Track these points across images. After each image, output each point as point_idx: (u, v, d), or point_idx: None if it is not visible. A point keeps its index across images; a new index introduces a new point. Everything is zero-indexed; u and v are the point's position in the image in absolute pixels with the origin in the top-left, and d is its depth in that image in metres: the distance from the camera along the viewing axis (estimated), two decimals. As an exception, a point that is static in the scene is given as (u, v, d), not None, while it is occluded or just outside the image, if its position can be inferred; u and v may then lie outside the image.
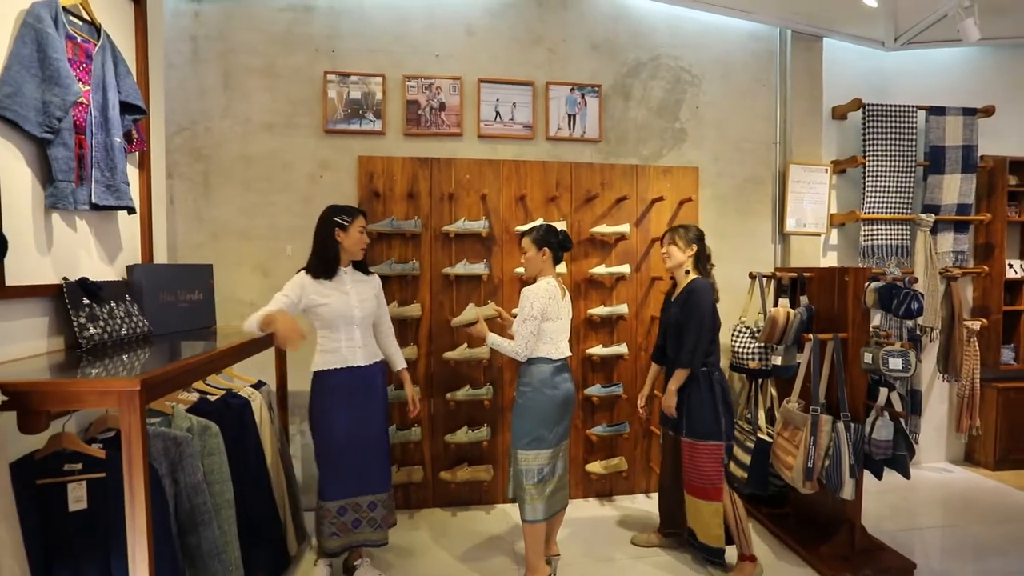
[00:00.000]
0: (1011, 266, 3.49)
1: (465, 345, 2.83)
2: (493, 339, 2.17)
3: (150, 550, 1.31)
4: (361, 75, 2.88)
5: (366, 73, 2.88)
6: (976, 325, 3.38)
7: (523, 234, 2.26)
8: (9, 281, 1.52)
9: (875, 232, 3.32)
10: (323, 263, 2.10)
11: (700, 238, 2.37)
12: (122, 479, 1.36)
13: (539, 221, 2.87)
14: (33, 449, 1.47)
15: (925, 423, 3.57)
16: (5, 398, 1.21)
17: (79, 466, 1.47)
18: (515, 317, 2.19)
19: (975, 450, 3.60)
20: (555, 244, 2.20)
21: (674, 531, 2.52)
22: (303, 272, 2.11)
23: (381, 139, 2.92)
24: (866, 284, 2.32)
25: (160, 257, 2.36)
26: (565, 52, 3.07)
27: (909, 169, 3.31)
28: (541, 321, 2.11)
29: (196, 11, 2.76)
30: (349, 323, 2.13)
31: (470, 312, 2.60)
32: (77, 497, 1.46)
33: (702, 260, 2.37)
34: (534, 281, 2.27)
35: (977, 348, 3.38)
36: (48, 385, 1.31)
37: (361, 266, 2.23)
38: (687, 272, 2.34)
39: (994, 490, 3.21)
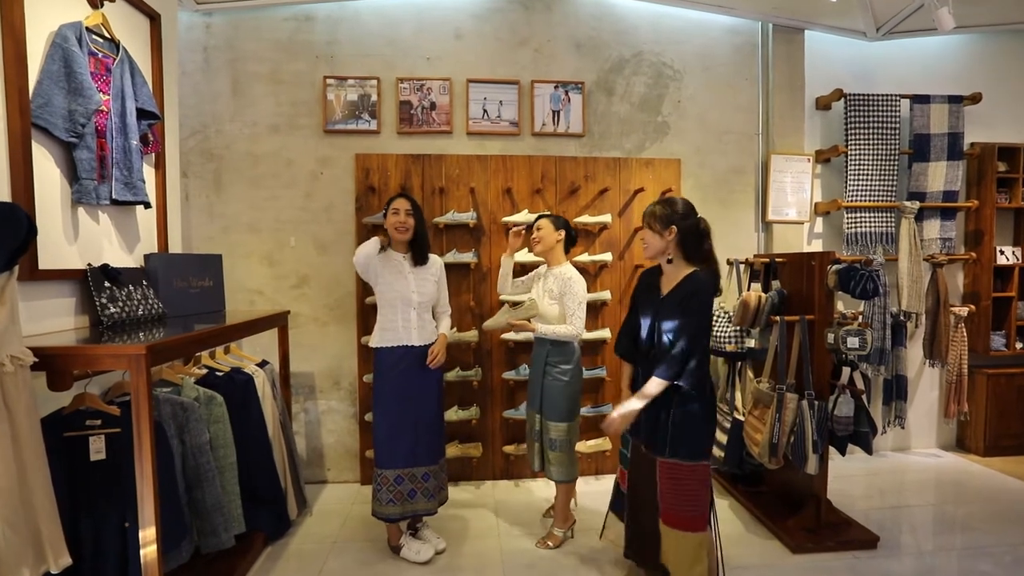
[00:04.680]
0: (1002, 252, 3.48)
1: (455, 329, 3.02)
2: (544, 329, 2.32)
3: (155, 491, 1.54)
4: (357, 78, 3.09)
5: (362, 76, 3.09)
6: (963, 311, 3.39)
7: (540, 216, 2.48)
8: (41, 265, 1.77)
9: (859, 220, 3.37)
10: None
11: (684, 216, 1.84)
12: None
13: (524, 212, 3.06)
14: (60, 407, 1.72)
15: (915, 409, 3.61)
16: (35, 359, 1.44)
17: (99, 422, 1.71)
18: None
19: (966, 436, 3.60)
20: (570, 232, 2.46)
21: (640, 562, 2.09)
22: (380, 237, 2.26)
23: (376, 138, 3.13)
24: (828, 267, 2.41)
25: (175, 248, 2.61)
26: (550, 51, 3.22)
27: (893, 157, 3.34)
28: None
29: (207, 23, 3.02)
30: (407, 305, 2.25)
31: (501, 317, 2.44)
32: (97, 449, 1.71)
33: (691, 243, 1.85)
34: (528, 265, 2.49)
35: (965, 334, 3.39)
36: (71, 349, 1.55)
37: (418, 252, 2.29)
38: (669, 261, 1.90)
39: (978, 474, 3.23)
